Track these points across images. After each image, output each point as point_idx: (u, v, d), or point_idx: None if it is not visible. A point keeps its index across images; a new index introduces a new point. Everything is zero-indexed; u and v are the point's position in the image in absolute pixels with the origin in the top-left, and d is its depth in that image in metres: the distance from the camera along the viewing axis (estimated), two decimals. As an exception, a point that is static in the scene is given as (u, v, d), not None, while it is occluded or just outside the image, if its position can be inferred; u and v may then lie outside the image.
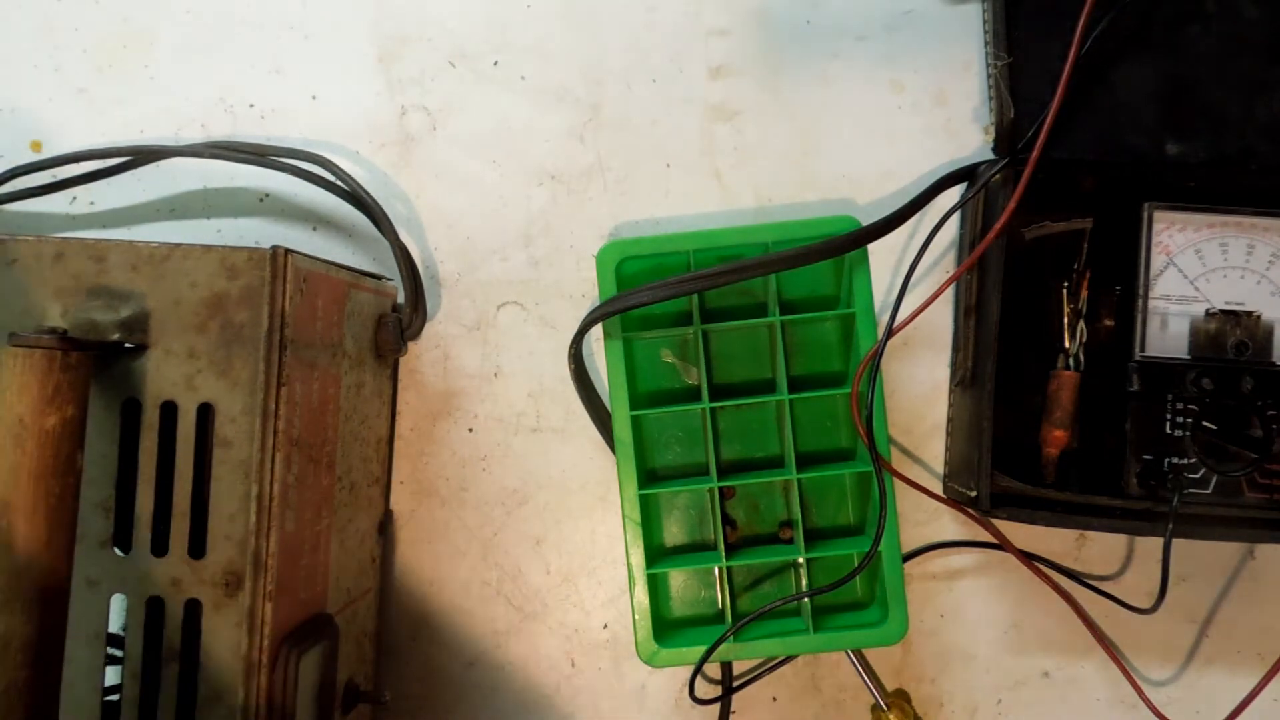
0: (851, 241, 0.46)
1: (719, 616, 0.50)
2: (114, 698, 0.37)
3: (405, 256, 0.49)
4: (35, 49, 0.55)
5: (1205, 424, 0.46)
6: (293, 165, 0.49)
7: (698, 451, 0.51)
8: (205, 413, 0.37)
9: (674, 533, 0.51)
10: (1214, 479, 0.46)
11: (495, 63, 0.53)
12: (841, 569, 0.48)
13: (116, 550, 0.37)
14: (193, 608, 0.36)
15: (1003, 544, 0.50)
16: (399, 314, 0.49)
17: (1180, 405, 0.47)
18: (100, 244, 0.37)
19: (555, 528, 0.53)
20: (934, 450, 0.53)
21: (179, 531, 0.36)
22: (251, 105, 0.54)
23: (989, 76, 0.51)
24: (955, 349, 0.52)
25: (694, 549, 0.51)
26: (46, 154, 0.54)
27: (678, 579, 0.51)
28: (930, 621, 0.53)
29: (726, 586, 0.49)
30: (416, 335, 0.50)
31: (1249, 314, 0.47)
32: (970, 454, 0.47)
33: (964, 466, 0.49)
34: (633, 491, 0.47)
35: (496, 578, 0.53)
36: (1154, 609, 0.48)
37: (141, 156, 0.51)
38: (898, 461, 0.52)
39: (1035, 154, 0.44)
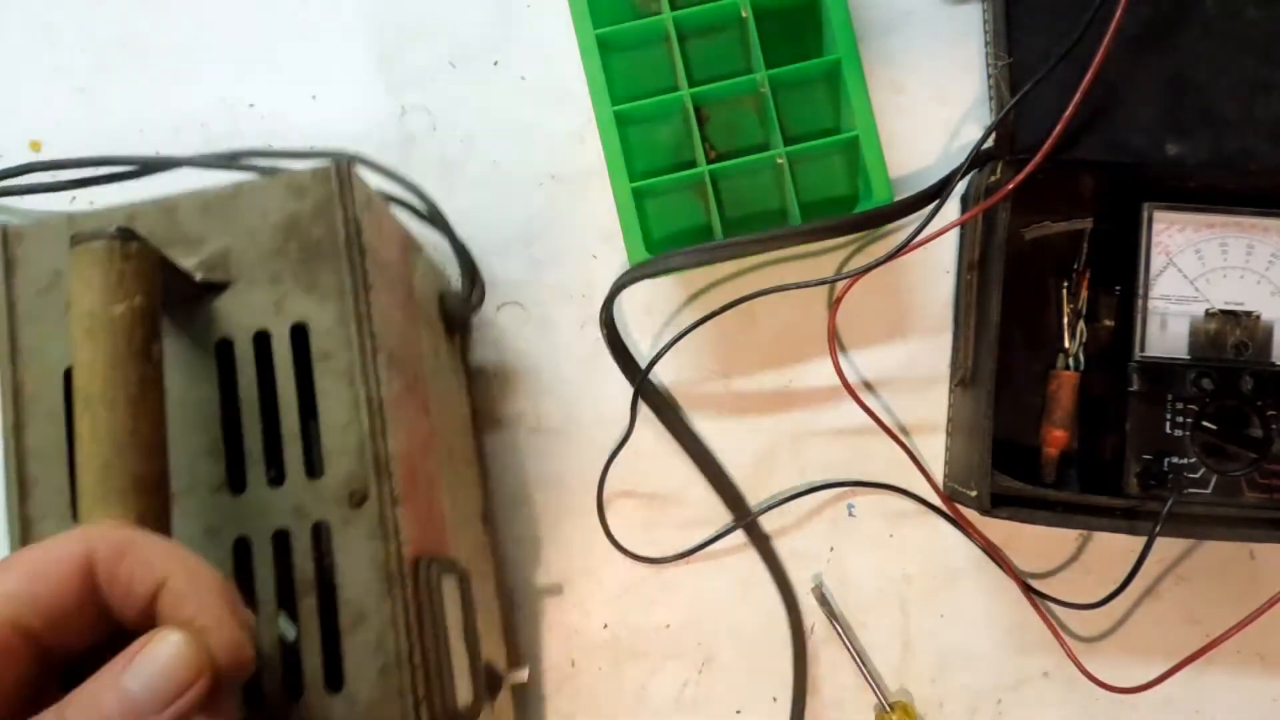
0: (881, 217, 0.47)
1: (706, 232, 0.50)
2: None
3: (455, 242, 0.50)
4: (34, 48, 0.55)
5: (1205, 424, 0.46)
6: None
7: (665, 76, 0.50)
8: (298, 335, 0.36)
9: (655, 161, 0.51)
10: (1214, 479, 0.46)
11: (495, 63, 0.53)
12: (823, 171, 0.50)
13: (231, 494, 0.36)
14: (320, 532, 0.35)
15: (986, 545, 0.50)
16: (457, 293, 0.50)
17: (1180, 405, 0.47)
18: (168, 199, 0.37)
19: (555, 528, 0.53)
20: (934, 450, 0.53)
21: (293, 457, 0.35)
22: (251, 105, 0.54)
23: (989, 76, 0.51)
24: (955, 349, 0.52)
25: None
26: (46, 153, 0.54)
27: (663, 204, 0.51)
28: (930, 621, 0.53)
29: (712, 196, 0.48)
30: (479, 305, 0.50)
31: (1249, 314, 0.47)
32: (970, 454, 0.47)
33: (964, 466, 0.49)
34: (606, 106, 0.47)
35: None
36: (1101, 604, 0.48)
37: (147, 167, 0.50)
38: (897, 459, 0.52)
39: (1048, 147, 0.44)
